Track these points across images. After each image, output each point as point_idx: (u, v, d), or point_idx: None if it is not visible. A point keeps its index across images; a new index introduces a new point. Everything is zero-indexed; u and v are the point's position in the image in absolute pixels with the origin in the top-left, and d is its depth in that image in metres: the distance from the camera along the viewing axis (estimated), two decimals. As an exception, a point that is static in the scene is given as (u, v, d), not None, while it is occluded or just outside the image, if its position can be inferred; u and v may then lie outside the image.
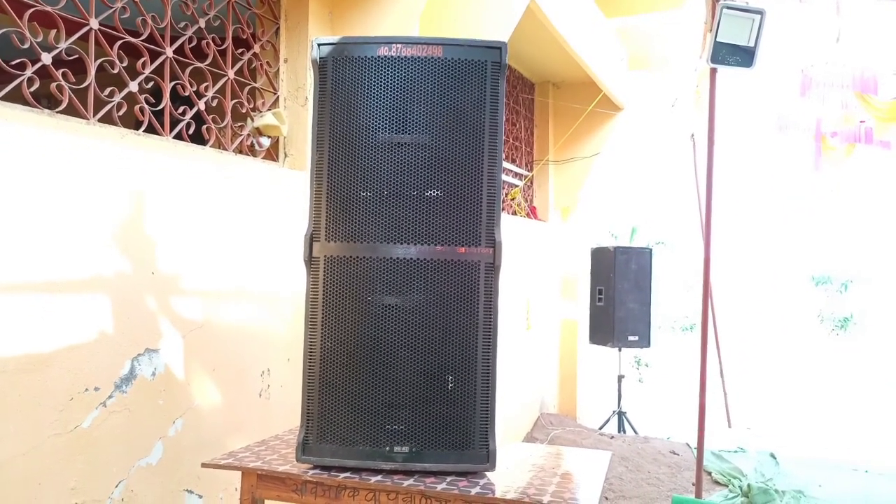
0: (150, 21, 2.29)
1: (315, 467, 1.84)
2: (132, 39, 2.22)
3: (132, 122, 2.21)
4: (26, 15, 1.92)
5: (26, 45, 1.91)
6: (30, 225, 1.79)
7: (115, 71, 2.18)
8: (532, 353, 5.72)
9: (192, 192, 2.29)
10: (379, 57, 1.90)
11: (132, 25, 2.24)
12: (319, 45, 1.92)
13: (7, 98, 1.86)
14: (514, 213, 5.73)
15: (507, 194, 5.67)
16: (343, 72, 1.91)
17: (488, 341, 1.88)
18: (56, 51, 1.99)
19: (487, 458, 1.83)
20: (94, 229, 1.96)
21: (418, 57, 1.89)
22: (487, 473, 1.84)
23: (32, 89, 1.92)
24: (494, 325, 1.90)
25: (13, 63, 1.89)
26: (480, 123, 1.90)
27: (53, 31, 1.98)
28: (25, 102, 1.89)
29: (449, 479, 1.79)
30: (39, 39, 1.94)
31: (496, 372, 1.89)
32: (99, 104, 2.10)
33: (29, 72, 1.91)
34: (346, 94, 1.90)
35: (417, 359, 1.86)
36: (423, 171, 1.88)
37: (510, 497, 1.68)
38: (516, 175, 5.83)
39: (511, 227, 5.35)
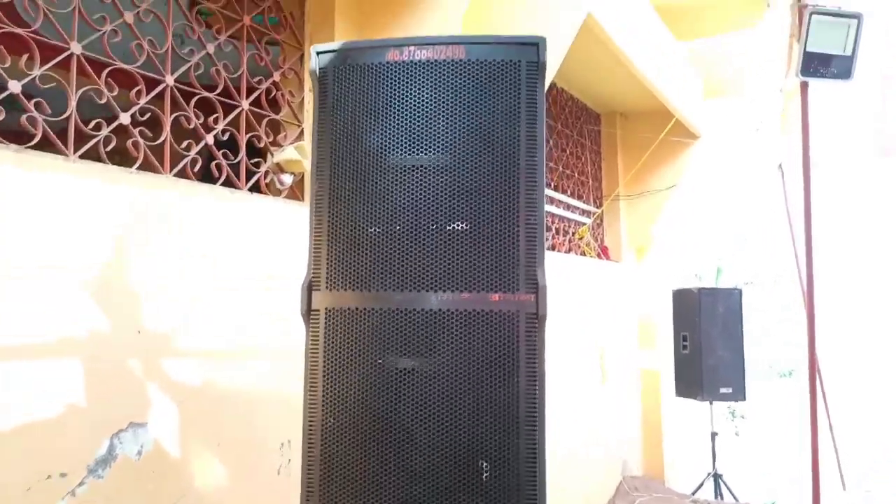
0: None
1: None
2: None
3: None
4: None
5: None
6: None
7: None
8: (609, 409, 5.16)
9: (196, 234, 1.99)
10: (388, 63, 1.55)
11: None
12: (318, 53, 1.59)
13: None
14: (584, 254, 5.26)
15: (574, 234, 5.22)
16: (346, 83, 1.57)
17: (534, 415, 1.45)
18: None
19: (536, 573, 1.38)
20: (65, 282, 1.67)
21: (436, 60, 1.53)
22: None
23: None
24: (541, 392, 1.47)
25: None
26: (514, 138, 1.51)
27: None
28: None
29: None
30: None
31: (545, 455, 1.45)
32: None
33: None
34: (349, 111, 1.56)
35: (442, 440, 1.45)
36: (445, 199, 1.49)
37: None
38: (584, 213, 5.38)
39: (580, 270, 4.88)
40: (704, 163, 6.09)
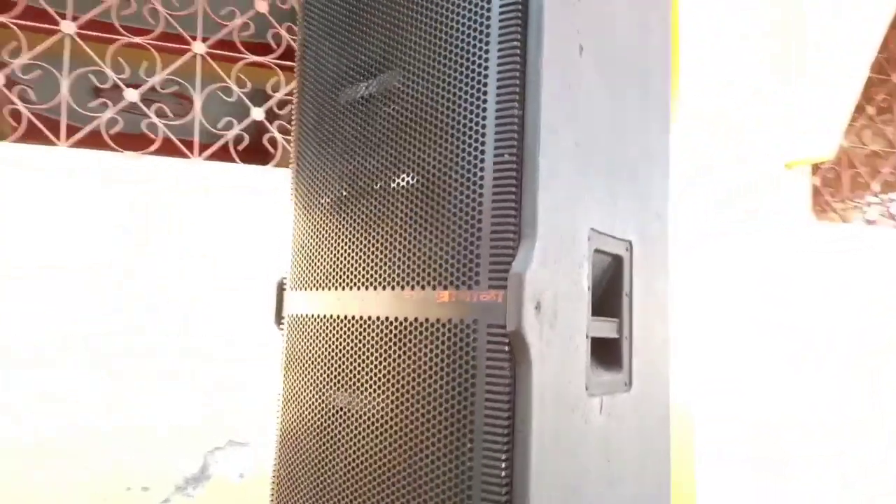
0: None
1: None
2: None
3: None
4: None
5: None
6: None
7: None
8: None
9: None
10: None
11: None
12: (303, -22, 1.21)
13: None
14: None
15: None
16: (323, 7, 1.15)
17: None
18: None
19: None
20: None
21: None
22: None
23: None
24: (522, 470, 0.78)
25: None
26: (481, 41, 0.87)
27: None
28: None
29: None
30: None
31: None
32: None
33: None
34: (322, 40, 1.14)
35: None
36: (390, 139, 0.95)
37: None
38: None
39: None
40: None
